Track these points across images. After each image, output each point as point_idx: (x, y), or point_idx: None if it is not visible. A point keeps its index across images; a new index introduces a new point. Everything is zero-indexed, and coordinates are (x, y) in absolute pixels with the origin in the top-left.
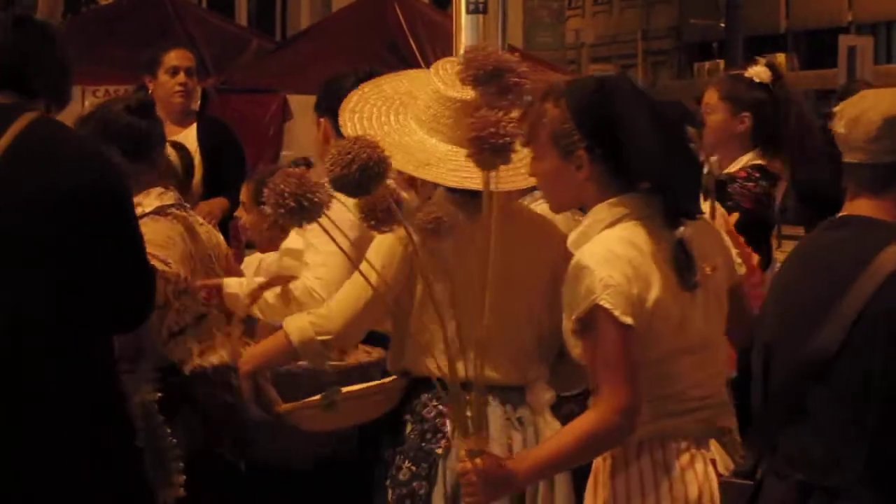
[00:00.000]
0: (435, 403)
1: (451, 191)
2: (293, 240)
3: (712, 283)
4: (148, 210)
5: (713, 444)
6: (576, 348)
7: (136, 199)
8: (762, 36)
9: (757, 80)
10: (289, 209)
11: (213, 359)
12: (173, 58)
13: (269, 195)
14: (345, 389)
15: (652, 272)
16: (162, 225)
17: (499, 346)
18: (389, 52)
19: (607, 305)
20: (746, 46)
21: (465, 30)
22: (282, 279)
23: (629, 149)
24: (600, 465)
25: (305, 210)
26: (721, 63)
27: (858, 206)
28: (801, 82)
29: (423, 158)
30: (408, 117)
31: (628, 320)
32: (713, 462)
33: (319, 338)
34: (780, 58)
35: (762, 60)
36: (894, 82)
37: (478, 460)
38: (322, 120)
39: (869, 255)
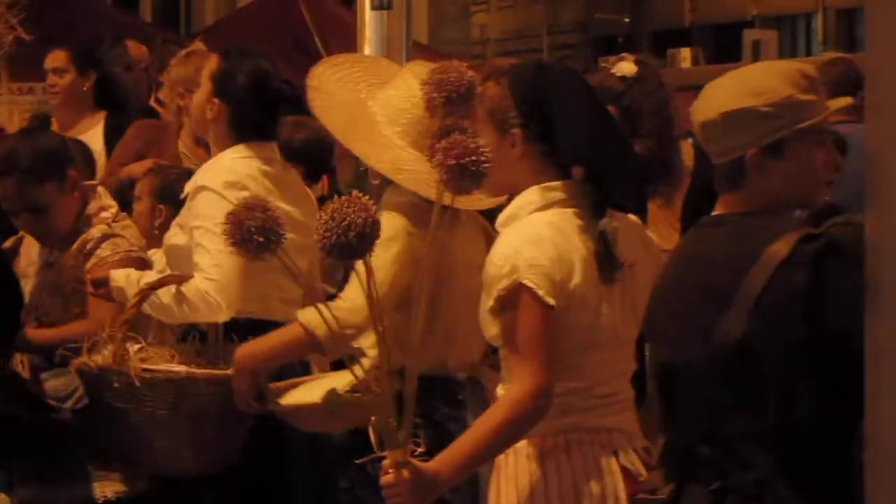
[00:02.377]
0: (442, 406)
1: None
2: (175, 235)
3: (631, 281)
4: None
5: (619, 438)
6: (491, 329)
7: None
8: (667, 30)
9: (619, 75)
10: (257, 244)
11: (99, 358)
12: (47, 61)
13: (232, 230)
14: (346, 392)
15: (576, 260)
16: None
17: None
18: (294, 48)
19: (531, 284)
20: (652, 41)
21: (370, 26)
22: (174, 279)
23: (563, 131)
24: (502, 461)
25: (270, 243)
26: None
27: (727, 203)
28: (706, 76)
29: (395, 163)
30: (375, 110)
31: (551, 301)
32: (617, 455)
33: (348, 331)
34: (686, 52)
35: (630, 57)
36: None
37: (404, 472)
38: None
39: (755, 246)
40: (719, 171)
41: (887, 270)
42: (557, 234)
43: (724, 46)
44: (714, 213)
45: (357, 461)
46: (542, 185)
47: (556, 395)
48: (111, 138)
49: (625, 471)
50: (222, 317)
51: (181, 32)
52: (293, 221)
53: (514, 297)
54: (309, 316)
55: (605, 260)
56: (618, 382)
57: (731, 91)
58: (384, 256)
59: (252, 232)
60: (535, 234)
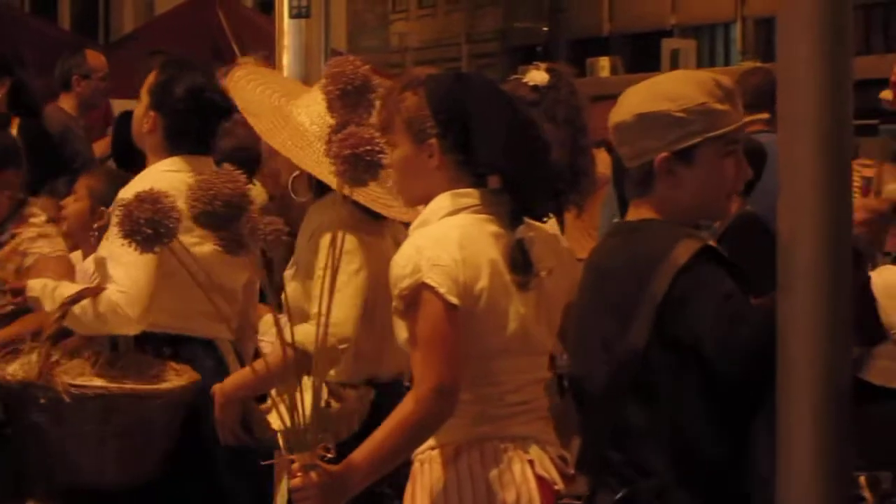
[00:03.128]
0: None
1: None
2: (103, 247)
3: (545, 290)
4: None
5: (534, 447)
6: (401, 332)
7: None
8: (586, 39)
9: (532, 84)
10: (145, 236)
11: (20, 373)
12: None
13: (123, 221)
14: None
15: (483, 264)
16: None
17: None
18: (213, 56)
19: (432, 283)
20: (570, 50)
21: (289, 34)
22: (90, 291)
23: (480, 141)
24: (418, 469)
25: (161, 236)
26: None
27: (636, 209)
28: (625, 85)
29: (367, 191)
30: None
31: (454, 300)
32: (531, 463)
33: (341, 346)
34: (605, 61)
35: (542, 65)
36: None
37: (312, 474)
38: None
39: (653, 256)
40: (630, 176)
41: (798, 272)
42: (464, 237)
43: (642, 55)
44: (622, 221)
45: (264, 462)
46: (454, 191)
47: (468, 403)
48: (24, 144)
49: (540, 480)
50: (132, 329)
51: (99, 40)
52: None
53: (416, 297)
54: (301, 336)
55: (521, 268)
56: (531, 390)
57: (647, 95)
58: (348, 269)
59: (141, 224)
60: (440, 235)
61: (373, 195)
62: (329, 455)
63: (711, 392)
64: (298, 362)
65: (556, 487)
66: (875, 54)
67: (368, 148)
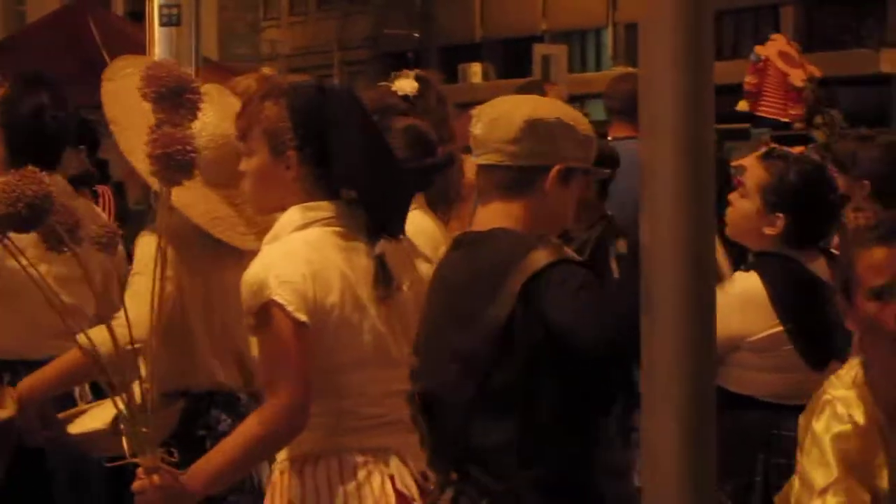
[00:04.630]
0: (225, 417)
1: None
2: None
3: (402, 302)
4: None
5: (395, 461)
6: (254, 347)
7: None
8: (457, 45)
9: (401, 93)
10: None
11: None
12: None
13: None
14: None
15: (334, 278)
16: None
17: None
18: (84, 67)
19: (281, 301)
20: (442, 56)
21: (159, 42)
22: None
23: (337, 156)
24: (278, 479)
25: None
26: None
27: (490, 211)
28: (496, 91)
29: (208, 209)
30: None
31: (302, 317)
32: (392, 478)
33: (135, 346)
34: (476, 67)
35: (410, 73)
36: (589, 89)
37: (154, 477)
38: None
39: (503, 271)
40: (498, 173)
41: (659, 276)
42: (312, 252)
43: (513, 61)
44: (468, 231)
45: (109, 464)
46: (305, 204)
47: (323, 415)
48: None
49: (400, 495)
50: None
51: None
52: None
53: (265, 314)
54: (87, 338)
55: (382, 282)
56: (391, 403)
57: (560, 107)
58: (156, 276)
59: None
60: (288, 251)
61: (210, 214)
62: (172, 459)
63: (564, 393)
64: (86, 365)
65: (415, 503)
66: (725, 60)
67: (180, 148)
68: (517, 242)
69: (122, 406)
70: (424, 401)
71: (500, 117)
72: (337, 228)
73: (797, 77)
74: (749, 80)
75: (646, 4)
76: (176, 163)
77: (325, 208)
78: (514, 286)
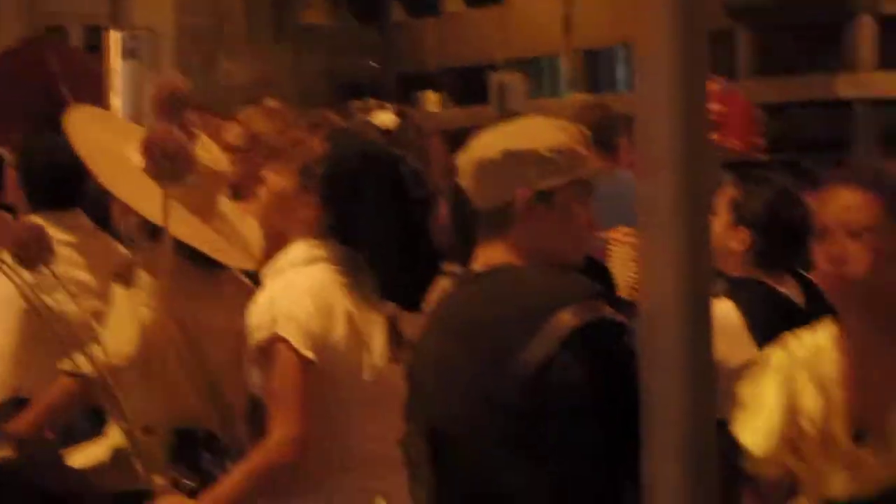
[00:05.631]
0: (206, 455)
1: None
2: None
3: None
4: None
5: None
6: (252, 379)
7: None
8: (413, 74)
9: (382, 127)
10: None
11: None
12: None
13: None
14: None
15: (338, 314)
16: None
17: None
18: (46, 100)
19: (287, 336)
20: (398, 85)
21: (119, 76)
22: None
23: (358, 226)
24: None
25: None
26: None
27: (491, 249)
28: (453, 120)
29: (206, 236)
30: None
31: (308, 354)
32: None
33: (121, 363)
34: (433, 95)
35: (389, 107)
36: (547, 115)
37: (168, 499)
38: None
39: (534, 315)
40: (483, 217)
41: (657, 309)
42: (319, 288)
43: (470, 89)
44: (475, 267)
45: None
46: (310, 241)
47: (323, 451)
48: None
49: None
50: None
51: None
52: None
53: (271, 348)
54: (71, 363)
55: (396, 344)
56: (386, 442)
57: (512, 134)
58: (134, 301)
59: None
60: (296, 286)
61: (206, 238)
62: (190, 484)
63: (600, 444)
64: (76, 389)
65: None
66: None
67: (175, 143)
68: (544, 281)
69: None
70: (433, 441)
71: (462, 164)
72: (339, 269)
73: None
74: (714, 108)
75: (640, 30)
76: (170, 155)
77: (328, 248)
78: (553, 332)
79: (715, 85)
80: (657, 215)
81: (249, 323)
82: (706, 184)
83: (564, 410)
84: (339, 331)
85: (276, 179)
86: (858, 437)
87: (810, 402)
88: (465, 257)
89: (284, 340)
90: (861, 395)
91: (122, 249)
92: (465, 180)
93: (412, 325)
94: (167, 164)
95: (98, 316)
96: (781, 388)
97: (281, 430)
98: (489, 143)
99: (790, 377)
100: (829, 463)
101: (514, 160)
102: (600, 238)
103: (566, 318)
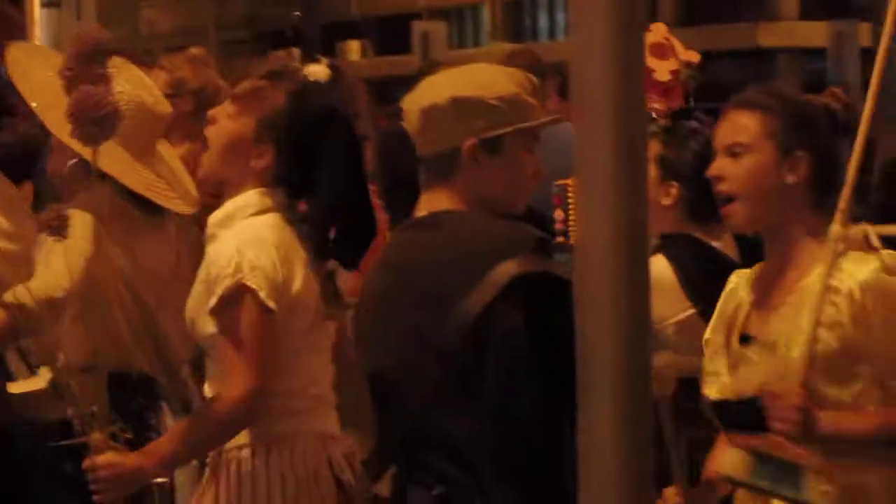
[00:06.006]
0: (142, 400)
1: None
2: None
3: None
4: None
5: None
6: (207, 327)
7: None
8: (335, 23)
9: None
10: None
11: None
12: None
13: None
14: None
15: (297, 264)
16: None
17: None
18: None
19: (253, 285)
20: (320, 34)
21: (39, 23)
22: None
23: (314, 181)
24: (223, 465)
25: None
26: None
27: (433, 195)
28: (375, 69)
29: (141, 177)
30: None
31: (272, 304)
32: (330, 463)
33: (59, 294)
34: (354, 45)
35: (324, 60)
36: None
37: (107, 455)
38: None
39: (476, 264)
40: (428, 163)
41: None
42: (279, 239)
43: (392, 38)
44: (420, 213)
45: (58, 443)
46: (261, 190)
47: (276, 397)
48: None
49: (337, 480)
50: None
51: None
52: (3, 232)
53: (235, 298)
54: (11, 294)
55: (332, 299)
56: (327, 384)
57: (459, 81)
58: (72, 253)
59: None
60: (258, 236)
61: (144, 180)
62: (126, 436)
63: (541, 387)
64: (19, 319)
65: (350, 486)
66: None
67: (98, 103)
68: (488, 228)
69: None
70: (376, 384)
71: (409, 109)
72: (288, 220)
73: (663, 71)
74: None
75: None
76: (95, 120)
77: (277, 199)
78: (495, 283)
79: (658, 36)
80: (593, 162)
81: (210, 273)
82: (642, 131)
83: (503, 359)
84: (299, 281)
85: (231, 125)
86: (744, 340)
87: (717, 315)
88: (395, 205)
89: (251, 290)
90: (754, 306)
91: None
92: (410, 125)
93: (348, 282)
94: (94, 128)
95: (14, 258)
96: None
97: (242, 382)
98: (437, 88)
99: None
100: (720, 364)
101: (462, 107)
102: (556, 185)
103: (508, 269)
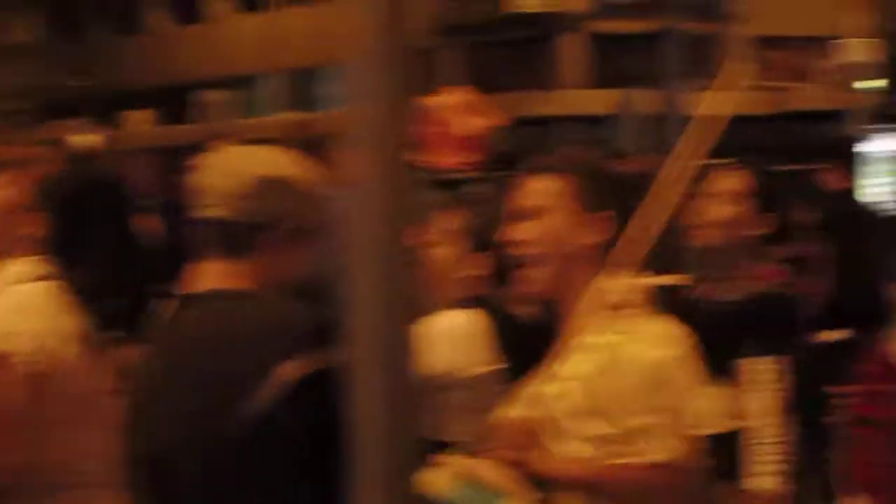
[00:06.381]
0: None
1: None
2: None
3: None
4: None
5: None
6: None
7: None
8: (120, 92)
9: (89, 148)
10: None
11: None
12: None
13: None
14: None
15: (67, 336)
16: None
17: None
18: None
19: (18, 352)
20: (102, 104)
21: None
22: None
23: (84, 248)
24: None
25: None
26: (74, 121)
27: (211, 268)
28: (160, 138)
29: None
30: None
31: (28, 370)
32: None
33: None
34: (138, 114)
35: (95, 127)
36: (252, 136)
37: None
38: None
39: (262, 358)
40: (218, 230)
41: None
42: (45, 306)
43: (175, 108)
44: (199, 286)
45: None
46: (34, 258)
47: (33, 472)
48: None
49: None
50: None
51: None
52: None
53: None
54: None
55: (117, 370)
56: (95, 462)
57: (267, 162)
58: None
59: None
60: (22, 302)
61: None
62: None
63: (308, 482)
64: None
65: None
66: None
67: None
68: (274, 312)
69: None
70: (145, 467)
71: (231, 170)
72: (65, 290)
73: (470, 128)
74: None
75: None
76: None
77: (53, 268)
78: (277, 383)
79: (459, 98)
80: (360, 234)
81: None
82: (407, 204)
83: (285, 453)
84: (62, 348)
85: (1, 194)
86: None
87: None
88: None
89: (4, 357)
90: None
91: None
92: (223, 185)
93: (126, 352)
94: None
95: None
96: None
97: None
98: (274, 161)
99: None
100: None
101: (295, 190)
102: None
103: (290, 369)
